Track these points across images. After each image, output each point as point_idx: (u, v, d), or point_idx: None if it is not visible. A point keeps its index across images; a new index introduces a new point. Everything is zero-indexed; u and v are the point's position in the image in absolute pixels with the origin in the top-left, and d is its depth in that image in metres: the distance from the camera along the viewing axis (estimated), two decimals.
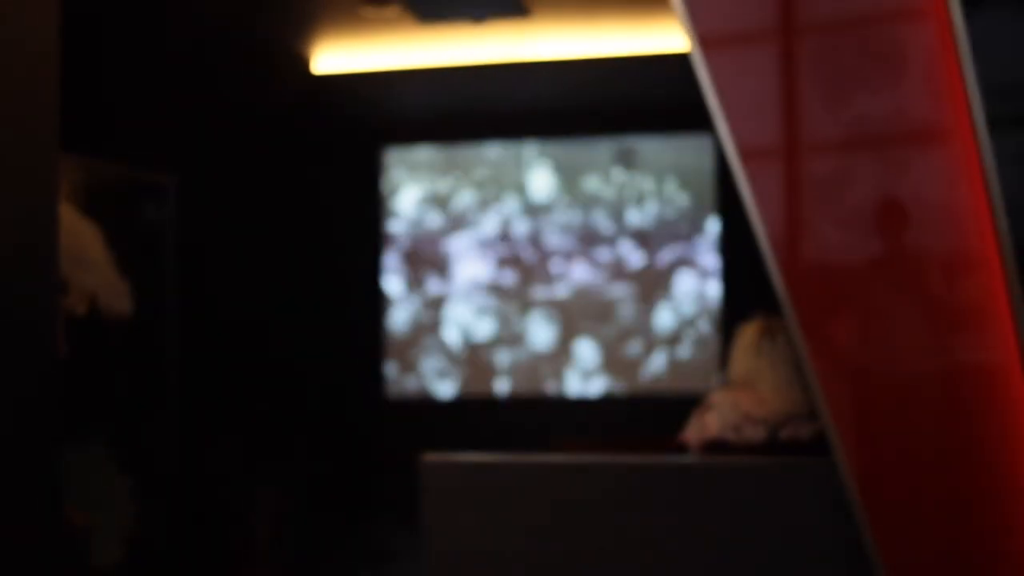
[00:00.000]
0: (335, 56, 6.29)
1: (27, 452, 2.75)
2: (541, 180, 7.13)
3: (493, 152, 7.19)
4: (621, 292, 7.02)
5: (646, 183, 7.05)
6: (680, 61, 2.98)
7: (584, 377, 7.00)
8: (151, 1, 4.72)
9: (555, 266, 7.07)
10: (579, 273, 7.04)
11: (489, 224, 7.15)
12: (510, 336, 7.08)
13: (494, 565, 2.92)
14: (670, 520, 2.86)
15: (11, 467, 2.68)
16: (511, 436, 5.78)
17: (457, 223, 7.19)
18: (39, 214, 2.85)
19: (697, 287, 6.95)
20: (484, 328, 7.12)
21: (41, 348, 2.84)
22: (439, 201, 7.22)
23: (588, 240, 7.04)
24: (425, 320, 7.16)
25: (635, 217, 7.01)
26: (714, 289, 6.91)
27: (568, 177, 7.10)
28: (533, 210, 7.12)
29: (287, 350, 6.04)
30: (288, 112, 6.14)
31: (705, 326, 6.94)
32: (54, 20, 2.86)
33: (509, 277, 7.12)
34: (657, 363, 6.98)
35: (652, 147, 7.04)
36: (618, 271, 7.03)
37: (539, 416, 6.85)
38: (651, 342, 6.99)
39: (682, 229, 6.98)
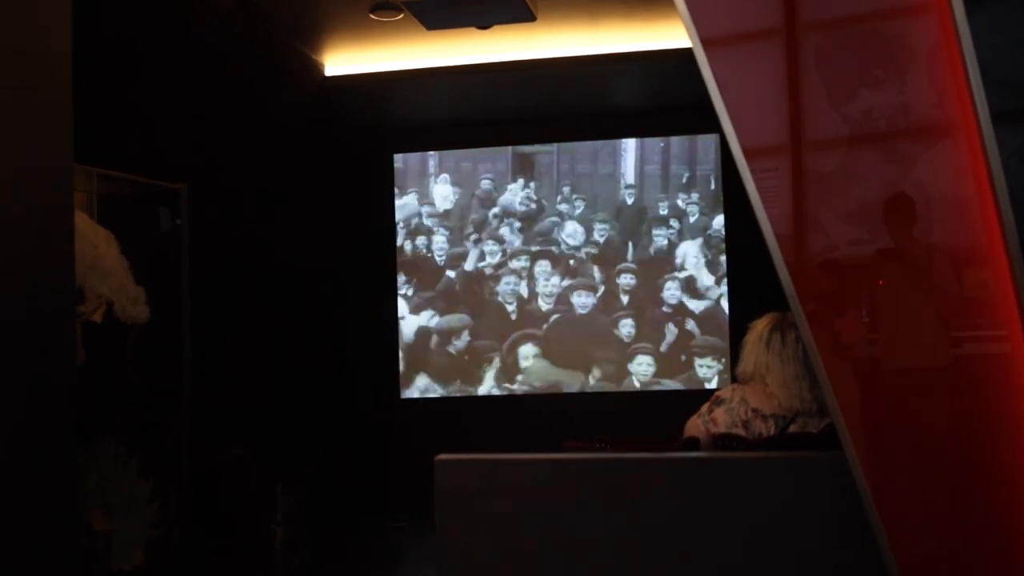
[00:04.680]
0: (344, 63, 6.33)
1: (47, 458, 2.79)
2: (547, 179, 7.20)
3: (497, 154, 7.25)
4: (635, 287, 7.05)
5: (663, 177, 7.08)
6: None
7: (592, 374, 7.03)
8: (160, 12, 4.76)
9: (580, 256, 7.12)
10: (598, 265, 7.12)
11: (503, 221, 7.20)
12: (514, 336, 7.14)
13: (506, 560, 2.94)
14: (680, 514, 2.88)
15: (32, 472, 2.72)
16: (519, 434, 5.82)
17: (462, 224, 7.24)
18: (55, 224, 2.89)
19: (707, 283, 6.98)
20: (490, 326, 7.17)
21: (59, 355, 2.88)
22: (444, 204, 7.27)
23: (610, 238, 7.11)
24: (432, 321, 7.20)
25: (653, 211, 7.06)
26: (724, 285, 6.94)
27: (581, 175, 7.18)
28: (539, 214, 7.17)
29: (299, 353, 6.08)
30: (299, 119, 6.18)
31: (714, 323, 6.96)
32: (67, 34, 2.91)
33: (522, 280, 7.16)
34: (663, 359, 7.00)
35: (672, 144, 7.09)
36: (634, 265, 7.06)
37: (546, 413, 6.87)
38: (659, 339, 7.02)
39: (696, 223, 7.01)
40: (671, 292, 6.98)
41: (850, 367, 2.75)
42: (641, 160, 7.09)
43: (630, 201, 7.05)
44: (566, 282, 7.07)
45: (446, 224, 7.22)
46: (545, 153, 7.19)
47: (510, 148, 7.18)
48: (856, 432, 2.66)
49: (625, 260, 7.05)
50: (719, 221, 6.95)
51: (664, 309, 6.98)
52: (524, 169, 7.19)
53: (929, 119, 2.73)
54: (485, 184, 7.22)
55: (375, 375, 7.15)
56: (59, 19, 2.88)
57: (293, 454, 5.65)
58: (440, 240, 7.22)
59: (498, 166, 7.23)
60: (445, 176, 7.28)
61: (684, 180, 7.02)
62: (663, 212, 7.01)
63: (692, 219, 6.98)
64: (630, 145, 7.09)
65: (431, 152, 7.30)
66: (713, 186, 6.99)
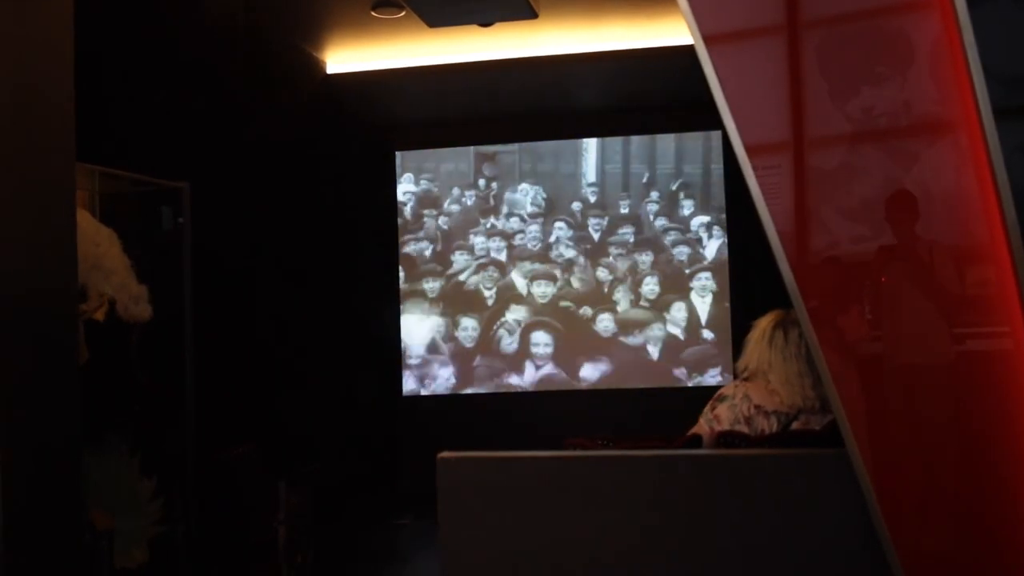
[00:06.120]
0: (346, 60, 6.32)
1: (50, 456, 2.79)
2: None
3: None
4: (643, 285, 7.06)
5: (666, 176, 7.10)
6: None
7: (594, 371, 7.05)
8: (162, 11, 4.77)
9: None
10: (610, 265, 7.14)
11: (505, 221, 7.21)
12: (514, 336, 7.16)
13: (509, 558, 2.95)
14: (683, 511, 2.88)
15: (35, 471, 2.73)
16: (521, 431, 5.82)
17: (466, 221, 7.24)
18: (57, 222, 2.89)
19: (708, 280, 6.99)
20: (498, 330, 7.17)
21: (62, 354, 2.89)
22: (448, 202, 7.27)
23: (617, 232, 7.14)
24: (436, 318, 7.20)
25: (662, 209, 7.09)
26: (725, 281, 6.95)
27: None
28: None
29: (302, 351, 6.08)
30: (301, 116, 6.18)
31: (716, 320, 6.96)
32: (69, 33, 2.91)
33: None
34: (668, 357, 7.00)
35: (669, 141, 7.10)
36: (636, 266, 7.07)
37: (548, 411, 6.88)
38: (666, 336, 7.02)
39: (699, 222, 7.03)
40: (647, 288, 7.03)
41: (852, 364, 2.75)
42: (602, 159, 7.12)
43: (592, 200, 7.10)
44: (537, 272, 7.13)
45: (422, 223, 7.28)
46: (508, 152, 7.21)
47: (472, 148, 7.22)
48: (858, 429, 2.66)
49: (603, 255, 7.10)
50: (694, 222, 7.00)
51: (643, 304, 7.02)
52: (486, 168, 7.22)
53: (931, 116, 2.72)
54: (422, 184, 7.25)
55: (378, 373, 7.15)
56: (61, 17, 2.89)
57: (296, 452, 5.65)
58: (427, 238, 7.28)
59: (460, 166, 7.25)
60: (409, 176, 7.31)
61: (644, 180, 7.07)
62: (624, 212, 7.06)
63: (652, 219, 7.03)
64: (591, 144, 7.14)
65: (396, 152, 7.33)
66: (674, 187, 7.04)
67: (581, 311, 7.07)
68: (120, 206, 4.24)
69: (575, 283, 7.10)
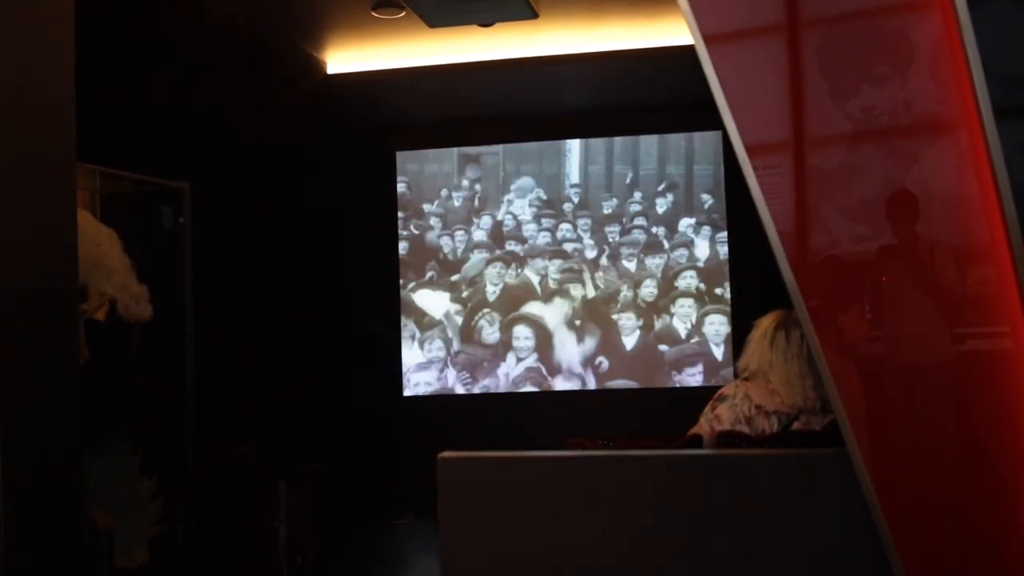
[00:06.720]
0: (346, 61, 6.33)
1: (51, 456, 2.79)
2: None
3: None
4: (643, 283, 7.06)
5: (662, 176, 7.10)
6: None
7: (597, 370, 7.05)
8: (162, 11, 4.77)
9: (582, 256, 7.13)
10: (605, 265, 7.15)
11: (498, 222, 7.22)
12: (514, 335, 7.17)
13: (509, 558, 2.95)
14: (683, 512, 2.88)
15: (36, 471, 2.73)
16: (522, 431, 5.82)
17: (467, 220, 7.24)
18: (58, 222, 2.89)
19: (693, 279, 7.02)
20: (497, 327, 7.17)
21: (62, 354, 2.89)
22: (448, 201, 7.27)
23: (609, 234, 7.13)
24: (436, 316, 7.21)
25: (656, 206, 7.09)
26: (713, 282, 6.96)
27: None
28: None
29: (302, 351, 6.08)
30: (301, 116, 6.18)
31: (717, 320, 6.96)
32: (70, 32, 2.91)
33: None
34: (670, 357, 7.00)
35: (666, 141, 7.11)
36: (637, 263, 7.08)
37: (549, 411, 6.88)
38: (665, 335, 7.02)
39: (696, 220, 7.03)
40: (645, 291, 7.05)
41: (853, 363, 2.75)
42: (586, 160, 7.15)
43: (576, 200, 7.13)
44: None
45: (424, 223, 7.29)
46: (491, 154, 7.22)
47: (456, 150, 7.22)
48: (858, 429, 2.66)
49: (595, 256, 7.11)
50: (682, 224, 7.02)
51: (640, 304, 7.04)
52: (469, 170, 7.23)
53: (931, 115, 2.72)
54: (401, 187, 7.25)
55: (378, 373, 7.15)
56: (61, 17, 2.89)
57: (297, 452, 5.65)
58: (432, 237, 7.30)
59: (444, 167, 7.27)
60: (401, 178, 7.32)
61: (628, 180, 7.08)
62: (608, 211, 7.07)
63: (637, 220, 7.04)
64: (574, 146, 7.16)
65: (396, 152, 7.34)
66: (662, 187, 7.06)
67: (578, 310, 7.08)
68: (120, 206, 4.24)
69: (581, 283, 7.11)
